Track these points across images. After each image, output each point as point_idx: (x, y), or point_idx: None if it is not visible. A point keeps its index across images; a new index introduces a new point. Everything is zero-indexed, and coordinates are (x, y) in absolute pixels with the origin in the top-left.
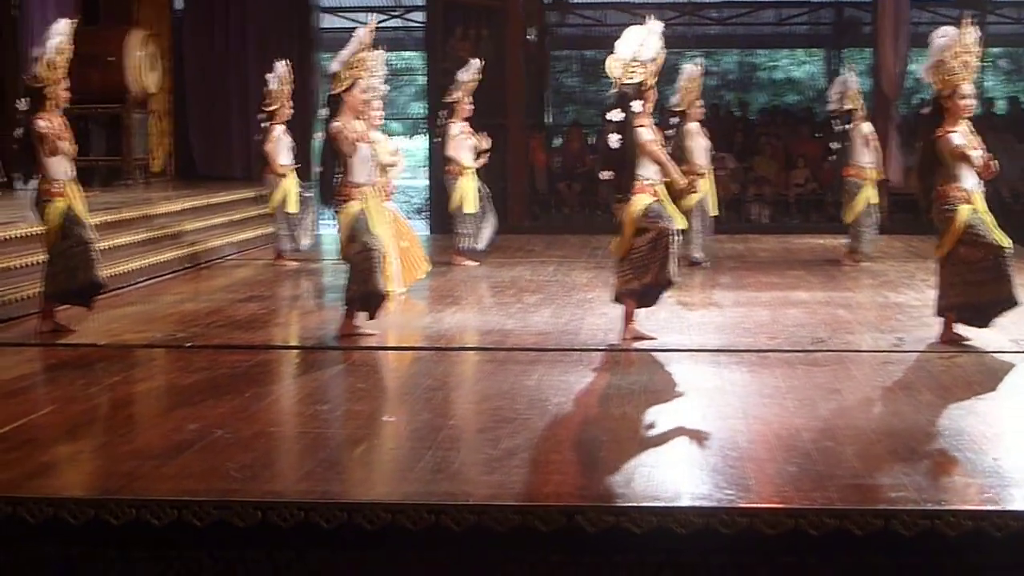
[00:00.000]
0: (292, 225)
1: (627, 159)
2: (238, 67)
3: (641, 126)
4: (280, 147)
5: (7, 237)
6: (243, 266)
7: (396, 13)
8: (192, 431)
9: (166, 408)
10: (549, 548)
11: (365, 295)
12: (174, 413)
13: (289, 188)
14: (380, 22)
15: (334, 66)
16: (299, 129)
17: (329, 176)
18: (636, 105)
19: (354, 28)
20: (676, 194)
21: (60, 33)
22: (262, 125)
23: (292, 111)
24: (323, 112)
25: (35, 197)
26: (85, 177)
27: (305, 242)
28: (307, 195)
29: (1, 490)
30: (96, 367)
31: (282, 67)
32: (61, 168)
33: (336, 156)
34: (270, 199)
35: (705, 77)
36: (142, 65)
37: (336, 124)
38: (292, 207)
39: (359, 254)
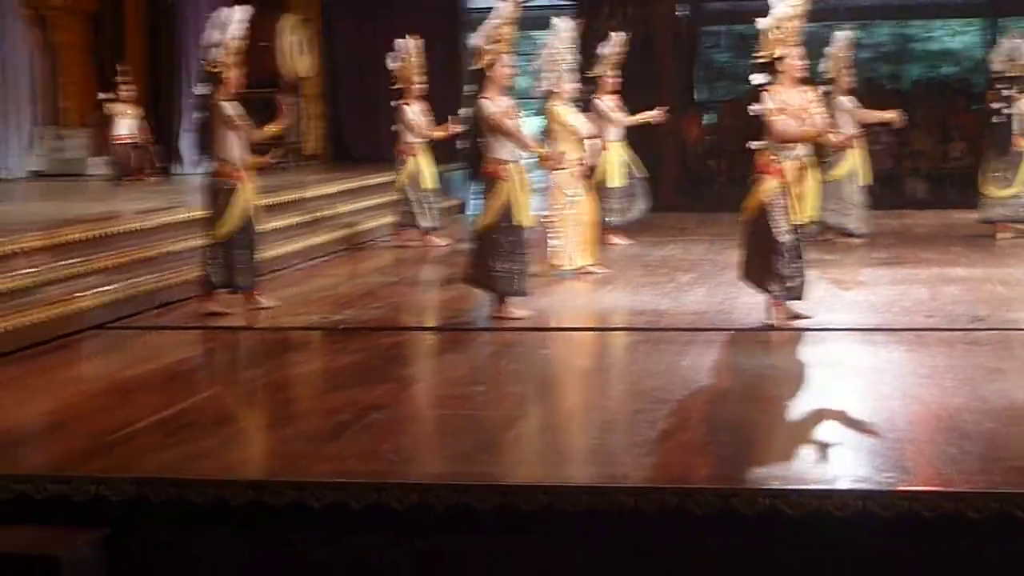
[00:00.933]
0: (426, 202)
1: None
2: (388, 49)
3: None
4: (413, 125)
5: (167, 223)
6: (392, 248)
7: None
8: (349, 413)
9: (323, 390)
10: (705, 531)
11: (490, 279)
12: (331, 395)
13: (421, 166)
14: (526, 0)
15: (476, 40)
16: (449, 111)
17: (475, 151)
18: (759, 77)
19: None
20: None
21: (237, 19)
22: (392, 104)
23: (423, 86)
24: (469, 88)
25: (210, 181)
26: None
27: (435, 222)
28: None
29: (165, 472)
30: (255, 350)
31: (404, 44)
32: (239, 153)
33: (483, 132)
34: (398, 178)
35: (858, 49)
36: (294, 50)
37: (486, 102)
38: (428, 183)
39: (496, 235)
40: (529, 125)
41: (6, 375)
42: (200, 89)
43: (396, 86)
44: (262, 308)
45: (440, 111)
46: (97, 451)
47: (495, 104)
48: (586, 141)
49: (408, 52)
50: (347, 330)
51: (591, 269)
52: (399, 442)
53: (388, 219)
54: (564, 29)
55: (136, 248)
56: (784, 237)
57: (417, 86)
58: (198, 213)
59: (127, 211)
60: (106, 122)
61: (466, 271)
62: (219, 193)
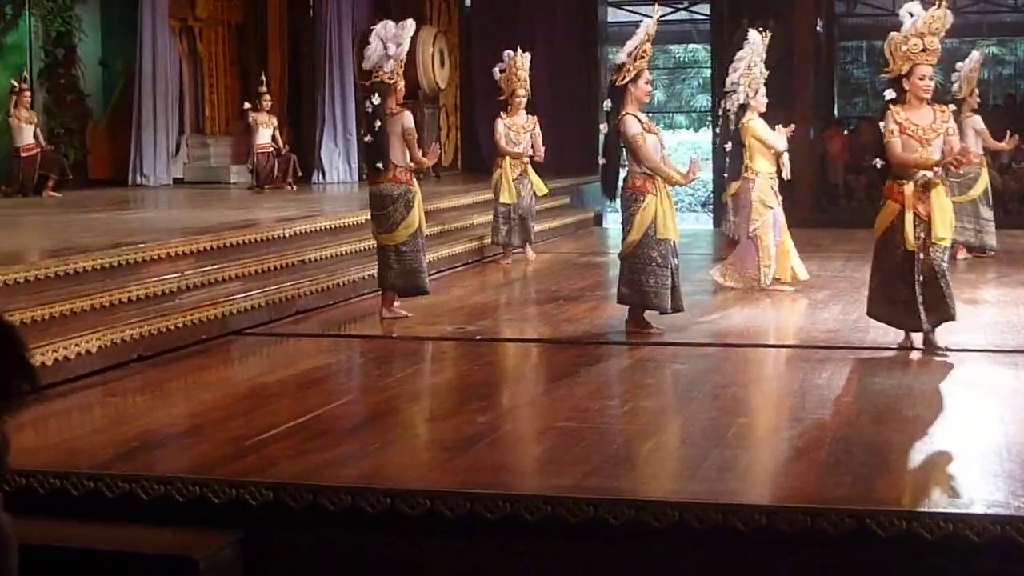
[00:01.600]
0: (504, 218)
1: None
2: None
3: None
4: (512, 136)
5: (306, 231)
6: (530, 260)
7: (682, 6)
8: (482, 424)
9: (457, 401)
10: (838, 551)
11: (644, 296)
12: (464, 406)
13: (506, 180)
14: (665, 15)
15: (620, 57)
16: (585, 124)
17: (614, 169)
18: (888, 93)
19: (639, 22)
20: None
21: (404, 34)
22: (502, 115)
23: (523, 99)
24: (607, 104)
25: (385, 188)
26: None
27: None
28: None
29: (300, 478)
30: (390, 359)
31: (511, 55)
32: (403, 161)
33: (622, 149)
34: (494, 188)
35: (1000, 66)
36: (433, 61)
37: (630, 119)
38: (508, 198)
39: (644, 251)
40: (654, 142)
41: (148, 378)
42: (373, 100)
43: (501, 97)
44: (398, 317)
45: (575, 124)
46: (235, 455)
47: (637, 122)
48: (784, 155)
49: (514, 63)
50: (482, 341)
51: (780, 287)
52: (532, 454)
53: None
54: (758, 42)
55: (275, 256)
56: (903, 265)
57: (520, 98)
58: (335, 221)
59: (267, 219)
60: (248, 131)
61: (619, 290)
62: (397, 199)
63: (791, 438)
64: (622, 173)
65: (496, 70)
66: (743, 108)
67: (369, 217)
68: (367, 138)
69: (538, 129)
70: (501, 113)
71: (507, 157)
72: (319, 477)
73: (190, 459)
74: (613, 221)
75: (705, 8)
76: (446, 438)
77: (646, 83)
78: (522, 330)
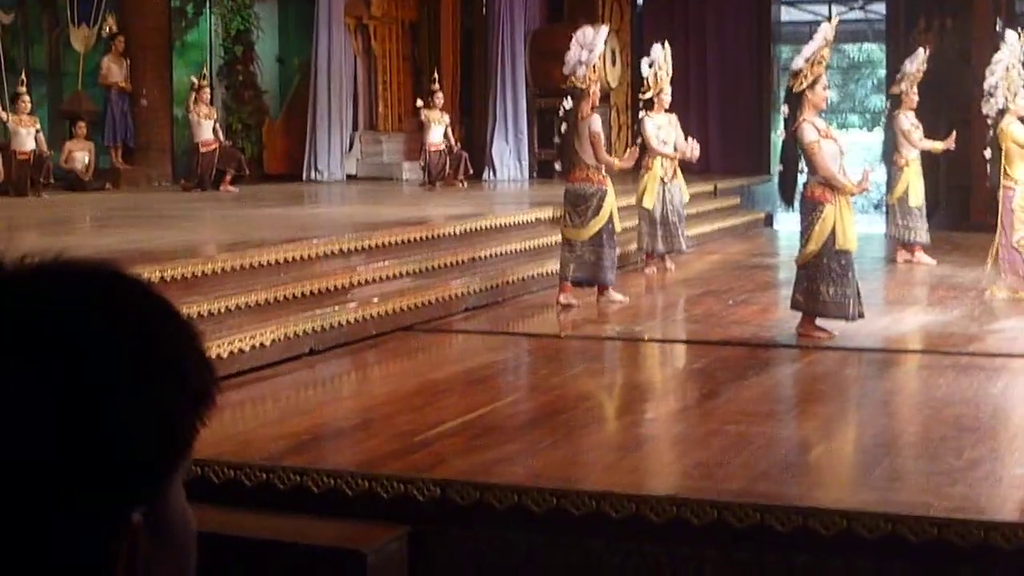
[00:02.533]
0: (653, 222)
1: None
2: (698, 60)
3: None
4: (661, 135)
5: (476, 228)
6: (698, 260)
7: (857, 5)
8: (650, 425)
9: (625, 401)
10: (1012, 567)
11: (821, 306)
12: (633, 407)
13: (654, 183)
14: (840, 14)
15: (798, 63)
16: (756, 123)
17: (791, 176)
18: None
19: (812, 20)
20: None
21: (600, 38)
22: (640, 115)
23: (670, 98)
24: (784, 110)
25: (575, 187)
26: (547, 170)
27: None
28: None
29: (468, 475)
30: (558, 358)
31: (658, 51)
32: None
33: (799, 156)
34: (639, 192)
35: None
36: (604, 61)
37: (807, 128)
38: (649, 203)
39: (823, 260)
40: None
41: (319, 373)
42: (566, 103)
43: (647, 95)
44: (615, 302)
45: (746, 123)
46: (404, 451)
47: (814, 129)
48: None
49: (661, 60)
50: (650, 341)
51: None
52: (699, 457)
53: (693, 231)
54: (1016, 43)
55: (445, 252)
56: None
57: (665, 97)
58: (505, 219)
59: (437, 216)
60: (420, 128)
61: (794, 297)
62: (589, 197)
63: (963, 448)
64: (800, 180)
65: (645, 65)
66: (1002, 113)
67: (544, 215)
68: (556, 139)
69: (679, 128)
70: (647, 112)
71: (656, 158)
72: (486, 475)
73: (360, 453)
74: (784, 222)
75: (881, 7)
76: (613, 439)
77: (823, 89)
78: (690, 331)
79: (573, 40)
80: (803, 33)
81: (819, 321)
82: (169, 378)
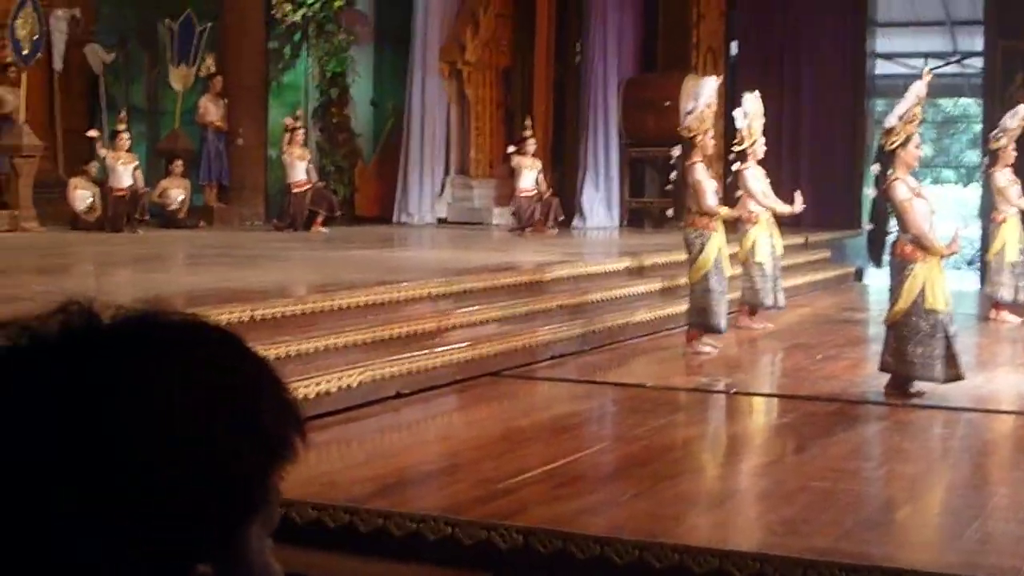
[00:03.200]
0: (770, 278)
1: None
2: (791, 112)
3: None
4: (755, 191)
5: (564, 276)
6: (787, 314)
7: (953, 59)
8: (733, 480)
9: (710, 455)
10: None
11: (909, 367)
12: (717, 460)
13: (761, 236)
14: (936, 68)
15: (890, 121)
16: (849, 177)
17: (881, 234)
18: None
19: (908, 74)
20: None
21: (710, 89)
22: (732, 167)
23: (764, 148)
24: (875, 168)
25: (687, 233)
26: (637, 218)
27: (779, 300)
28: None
29: (550, 524)
30: (644, 408)
31: (751, 101)
32: (715, 208)
33: (890, 213)
34: (741, 247)
35: None
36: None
37: (898, 185)
38: (762, 257)
39: (912, 320)
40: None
41: (405, 416)
42: (676, 151)
43: (739, 146)
44: (705, 352)
45: (839, 175)
46: (488, 497)
47: (906, 188)
48: None
49: (754, 110)
50: (736, 394)
51: None
52: (785, 513)
53: (785, 283)
54: None
55: (533, 299)
56: None
57: (759, 148)
58: (595, 267)
59: (527, 262)
60: (511, 174)
61: (883, 357)
62: (693, 242)
63: None
64: (890, 238)
65: (739, 116)
66: None
67: (634, 264)
68: (668, 187)
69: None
70: (745, 163)
71: (764, 210)
72: (569, 524)
73: (443, 498)
74: (875, 277)
75: (978, 61)
76: (698, 492)
77: (916, 147)
78: (777, 385)
79: (684, 91)
80: (898, 87)
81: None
82: (237, 435)
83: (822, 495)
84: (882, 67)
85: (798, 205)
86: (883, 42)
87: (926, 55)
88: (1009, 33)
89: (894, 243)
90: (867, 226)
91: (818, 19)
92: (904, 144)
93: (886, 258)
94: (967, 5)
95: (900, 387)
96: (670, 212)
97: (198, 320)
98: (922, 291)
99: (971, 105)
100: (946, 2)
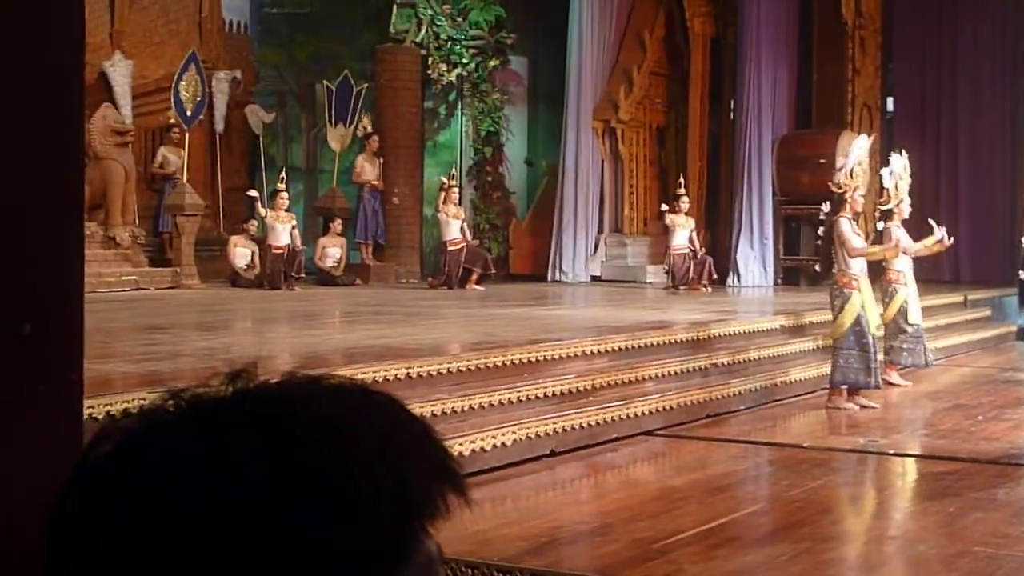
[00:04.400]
0: (912, 337)
1: None
2: (948, 167)
3: None
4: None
5: (719, 334)
6: (947, 373)
7: None
8: (890, 543)
9: (866, 517)
10: None
11: None
12: (874, 523)
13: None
14: None
15: None
16: (1008, 232)
17: None
18: None
19: None
20: None
21: (861, 147)
22: (878, 227)
23: (910, 208)
24: None
25: (832, 289)
26: (792, 276)
27: (929, 357)
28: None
29: None
30: (799, 468)
31: (897, 161)
32: (859, 266)
33: None
34: (896, 305)
35: None
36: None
37: None
38: (913, 317)
39: None
40: None
41: (560, 474)
42: (825, 208)
43: (887, 205)
44: (859, 407)
45: (997, 230)
46: (642, 557)
47: None
48: None
49: (900, 170)
50: (894, 456)
51: None
52: None
53: (940, 343)
54: None
55: (688, 357)
56: None
57: (905, 207)
58: (749, 326)
59: (681, 320)
60: (665, 232)
61: None
62: (834, 299)
63: None
64: None
65: (885, 175)
66: None
67: (788, 323)
68: (818, 242)
69: None
70: (890, 221)
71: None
72: None
73: (597, 558)
74: None
75: None
76: (856, 555)
77: None
78: (937, 447)
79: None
80: None
81: None
82: (380, 491)
83: (985, 561)
84: None
85: (938, 233)
86: None
87: None
88: None
89: None
90: (1021, 275)
91: (976, 73)
92: None
93: None
94: None
95: None
96: (818, 267)
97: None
98: None
99: None
100: None
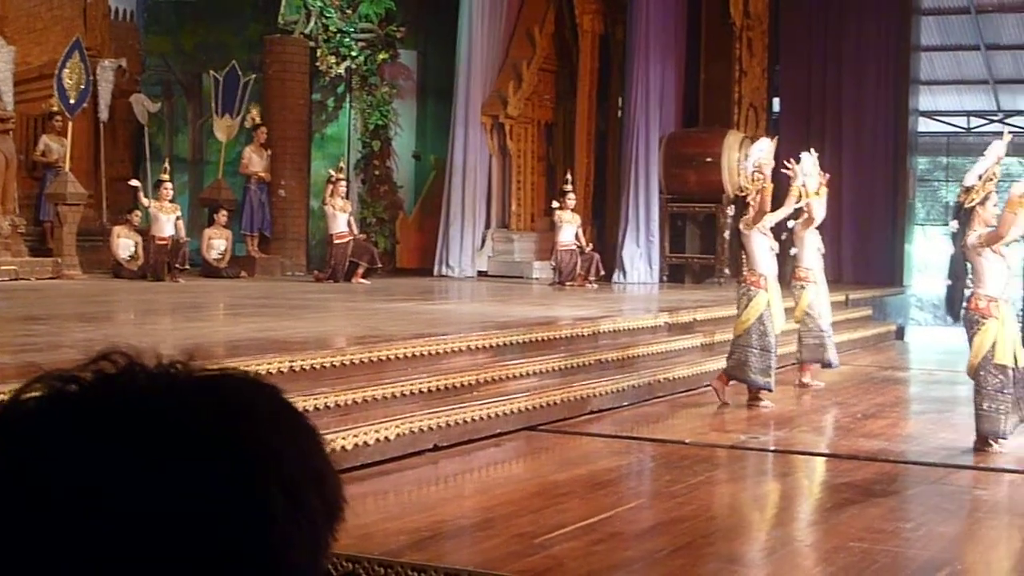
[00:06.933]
0: (818, 335)
1: None
2: (832, 169)
3: None
4: (818, 244)
5: (603, 331)
6: (828, 371)
7: (996, 118)
8: (771, 539)
9: (747, 512)
10: None
11: (978, 420)
12: (754, 519)
13: (813, 295)
14: (977, 127)
15: (970, 179)
16: (891, 234)
17: (960, 290)
18: None
19: (950, 132)
20: None
21: (761, 150)
22: (789, 225)
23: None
24: (953, 225)
25: (740, 286)
26: (677, 274)
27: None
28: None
29: None
30: (681, 465)
31: (808, 160)
32: (767, 266)
33: (967, 270)
34: (804, 303)
35: None
36: (739, 166)
37: (972, 238)
38: (821, 315)
39: (984, 375)
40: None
41: (442, 469)
42: (728, 211)
43: (799, 203)
44: (763, 407)
45: (880, 233)
46: (523, 552)
47: (978, 238)
48: None
49: (808, 169)
50: (775, 452)
51: None
52: (820, 572)
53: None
54: None
55: (572, 354)
56: None
57: (818, 206)
58: (634, 323)
59: (566, 317)
60: (552, 228)
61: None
62: (740, 297)
63: None
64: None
65: (799, 173)
66: None
67: (673, 320)
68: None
69: None
70: (801, 223)
71: (819, 267)
72: None
73: (479, 553)
74: (916, 334)
75: (1020, 120)
76: (735, 551)
77: (994, 205)
78: (817, 444)
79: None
80: (940, 144)
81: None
82: (314, 492)
83: (860, 556)
84: (924, 125)
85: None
86: (925, 100)
87: (968, 113)
88: None
89: (969, 298)
90: (946, 282)
91: (860, 76)
92: (983, 202)
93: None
94: (1011, 64)
95: (981, 442)
96: (727, 271)
97: (237, 373)
98: (993, 347)
99: (1013, 164)
100: (990, 61)
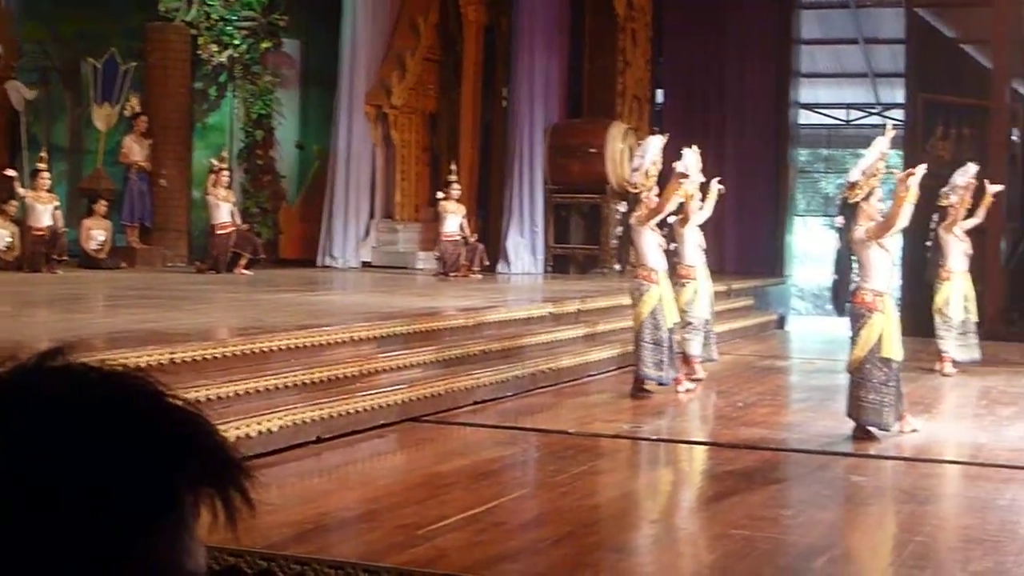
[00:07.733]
0: (697, 329)
1: None
2: (715, 161)
3: None
4: (699, 241)
5: (487, 321)
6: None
7: (875, 111)
8: (653, 527)
9: (630, 501)
10: None
11: (861, 412)
12: (637, 507)
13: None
14: (857, 119)
15: (854, 175)
16: (772, 225)
17: (844, 284)
18: None
19: (830, 125)
20: None
21: (654, 147)
22: (669, 220)
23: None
24: (839, 220)
25: (632, 280)
26: (562, 265)
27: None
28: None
29: (469, 571)
30: (565, 455)
31: (691, 156)
32: (657, 261)
33: (852, 264)
34: (684, 300)
35: None
36: (622, 157)
37: (859, 232)
38: (700, 310)
39: (867, 367)
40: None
41: (325, 461)
42: (622, 207)
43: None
44: (686, 391)
45: (761, 224)
46: (407, 543)
47: (865, 232)
48: None
49: (693, 166)
50: (658, 441)
51: None
52: (704, 560)
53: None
54: None
55: (456, 344)
56: None
57: (694, 203)
58: (518, 313)
59: (450, 307)
60: (437, 218)
61: (847, 403)
62: (633, 291)
63: (970, 560)
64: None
65: (677, 167)
66: None
67: (557, 310)
68: (613, 242)
69: None
70: (679, 220)
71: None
72: (488, 571)
73: (363, 545)
74: (797, 324)
75: (899, 113)
76: (618, 539)
77: (879, 200)
78: (699, 432)
79: (640, 147)
80: (820, 136)
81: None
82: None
83: (741, 543)
84: (805, 117)
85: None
86: (806, 92)
87: (848, 106)
88: (929, 86)
89: (854, 292)
90: (832, 276)
91: (742, 69)
92: (867, 197)
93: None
94: (889, 58)
95: (862, 432)
96: (617, 266)
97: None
98: (879, 340)
99: (892, 156)
100: (869, 55)
